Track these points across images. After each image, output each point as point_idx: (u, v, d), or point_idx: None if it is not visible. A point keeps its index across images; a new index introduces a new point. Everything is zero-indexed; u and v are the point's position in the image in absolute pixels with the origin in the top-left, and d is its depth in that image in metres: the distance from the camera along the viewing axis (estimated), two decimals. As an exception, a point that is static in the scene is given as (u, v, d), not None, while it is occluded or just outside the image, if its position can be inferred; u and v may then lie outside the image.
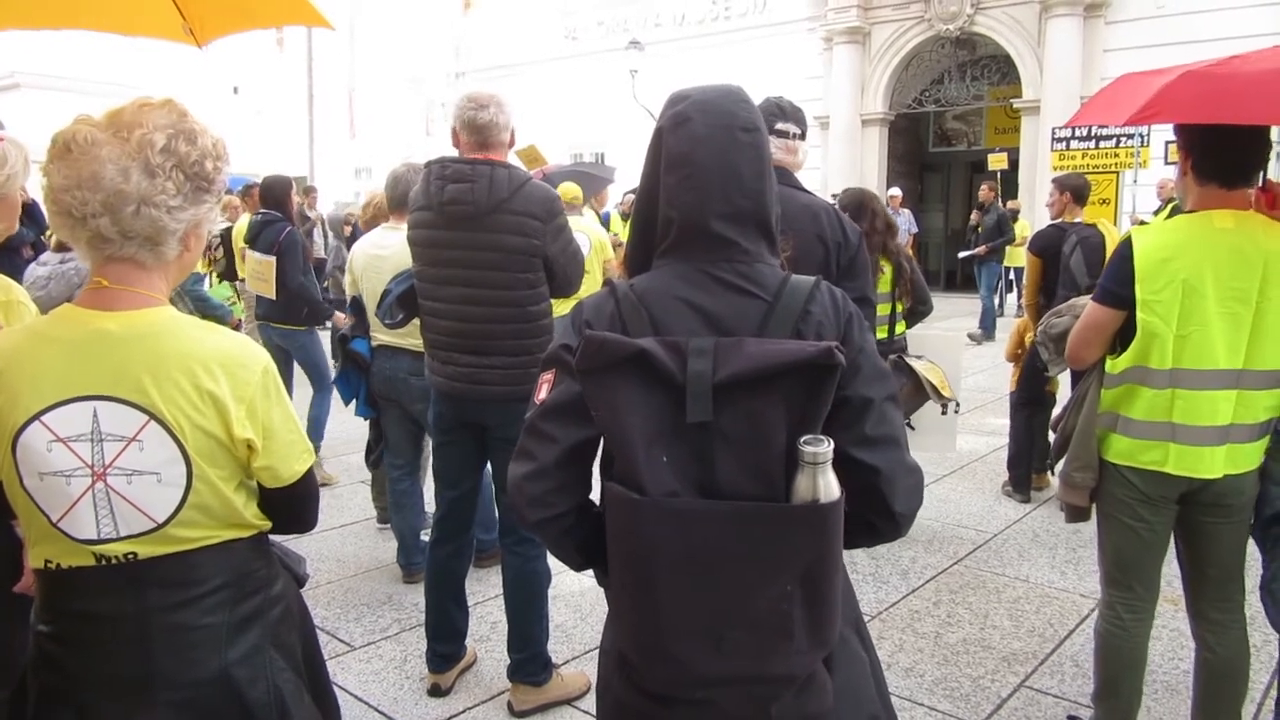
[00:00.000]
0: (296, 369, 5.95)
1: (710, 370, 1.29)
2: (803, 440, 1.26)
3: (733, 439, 1.29)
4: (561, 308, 3.23)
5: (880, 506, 1.38)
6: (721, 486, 1.30)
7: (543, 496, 1.40)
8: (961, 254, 11.82)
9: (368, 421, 4.34)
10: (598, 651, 3.67)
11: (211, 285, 8.47)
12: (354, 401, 4.19)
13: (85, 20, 3.23)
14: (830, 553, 1.30)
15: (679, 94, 1.51)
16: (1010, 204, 13.03)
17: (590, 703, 3.18)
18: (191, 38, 2.86)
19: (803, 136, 3.08)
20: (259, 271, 5.68)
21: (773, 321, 1.39)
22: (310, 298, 5.62)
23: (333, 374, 5.93)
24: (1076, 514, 2.69)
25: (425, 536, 4.26)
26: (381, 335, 3.94)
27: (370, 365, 4.05)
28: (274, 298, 5.65)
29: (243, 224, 8.03)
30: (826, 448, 1.25)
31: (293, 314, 5.71)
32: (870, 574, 4.31)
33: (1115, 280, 2.43)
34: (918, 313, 4.60)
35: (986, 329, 11.89)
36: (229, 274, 8.68)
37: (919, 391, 4.38)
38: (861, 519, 1.39)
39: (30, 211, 4.87)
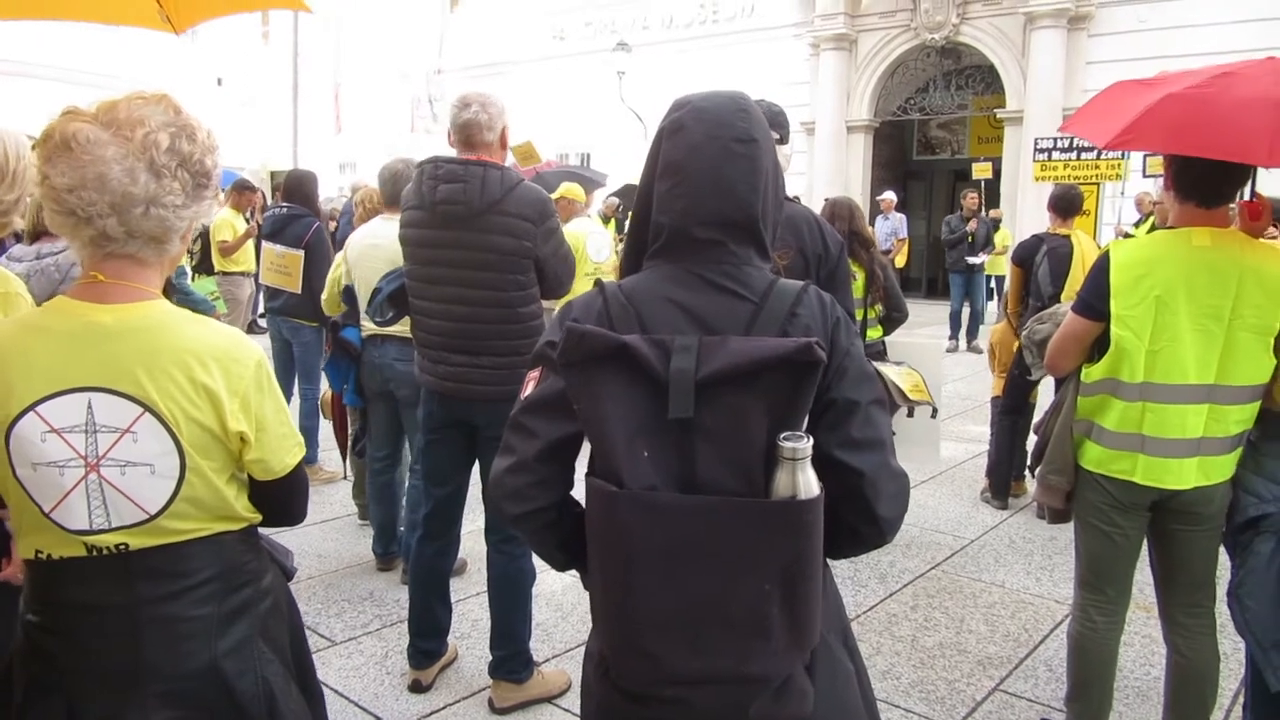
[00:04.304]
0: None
1: (693, 367, 1.30)
2: (782, 436, 1.27)
3: (714, 435, 1.30)
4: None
5: (864, 511, 1.39)
6: (702, 483, 1.30)
7: (522, 490, 1.41)
8: (970, 259, 11.83)
9: (358, 411, 4.38)
10: (578, 650, 3.68)
11: (194, 280, 8.43)
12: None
13: (63, 10, 3.21)
14: (809, 552, 1.30)
15: (681, 100, 1.51)
16: (992, 213, 13.13)
17: (570, 701, 3.20)
18: (168, 24, 2.84)
19: (784, 140, 3.10)
20: (282, 265, 5.63)
21: (759, 322, 1.40)
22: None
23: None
24: (1057, 516, 2.75)
25: (400, 527, 4.33)
26: (370, 325, 3.96)
27: (361, 355, 4.08)
28: (298, 291, 5.60)
29: (223, 218, 8.00)
30: (805, 444, 1.26)
31: (309, 310, 5.64)
32: (849, 577, 4.35)
33: (1092, 293, 2.48)
34: (893, 319, 4.64)
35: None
36: (205, 267, 8.64)
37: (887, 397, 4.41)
38: (846, 525, 1.40)
39: None
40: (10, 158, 2.14)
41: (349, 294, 4.12)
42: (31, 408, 1.44)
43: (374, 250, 3.91)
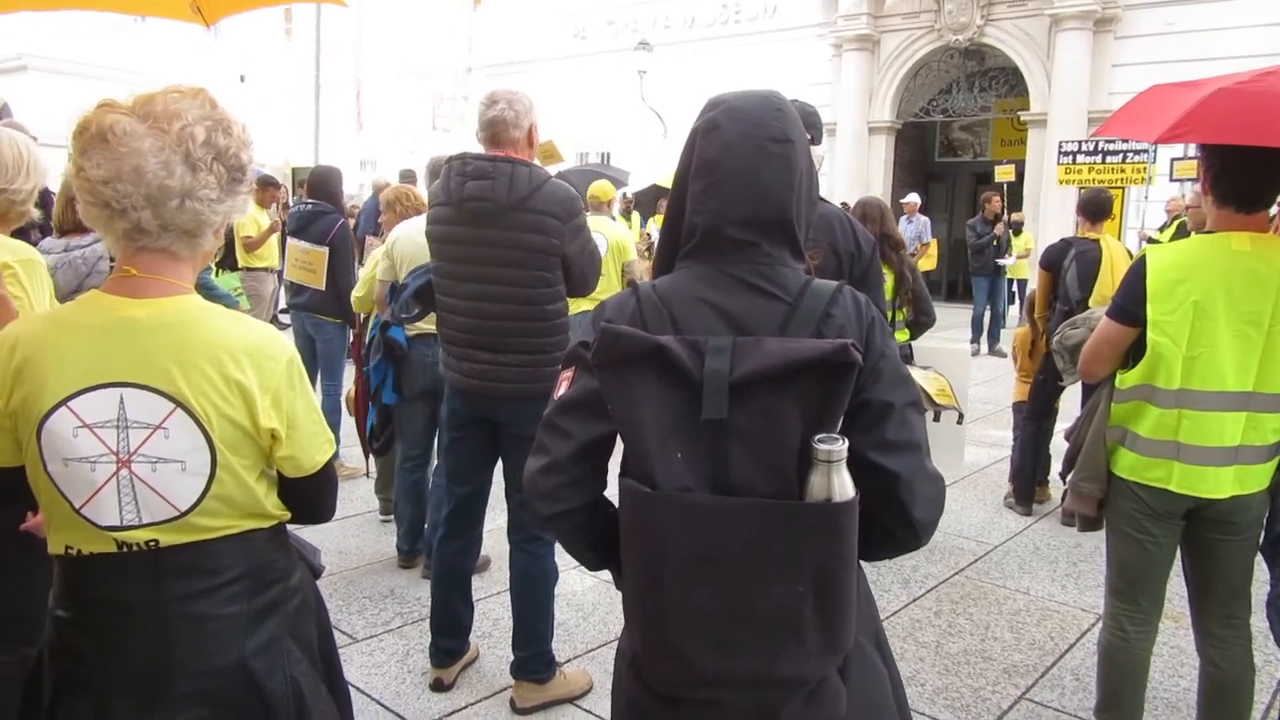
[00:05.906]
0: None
1: (727, 368, 1.29)
2: (817, 438, 1.26)
3: (748, 437, 1.29)
4: (577, 307, 3.23)
5: (900, 513, 1.37)
6: (735, 484, 1.30)
7: (555, 491, 1.41)
8: (1001, 261, 11.77)
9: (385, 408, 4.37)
10: (600, 650, 3.67)
11: (218, 275, 8.48)
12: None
13: (95, 0, 3.22)
14: (843, 555, 1.29)
15: (716, 99, 1.50)
16: (1015, 216, 13.06)
17: (592, 701, 3.19)
18: (199, 16, 2.84)
19: (816, 141, 3.08)
20: (307, 261, 5.66)
21: (794, 323, 1.39)
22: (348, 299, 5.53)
23: (347, 366, 5.96)
24: (1089, 523, 2.70)
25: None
26: (420, 324, 3.94)
27: (406, 353, 4.08)
28: (322, 288, 5.63)
29: (247, 213, 8.05)
30: (841, 446, 1.26)
31: (333, 306, 5.67)
32: (871, 581, 4.27)
33: (1128, 298, 2.44)
34: (920, 324, 4.61)
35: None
36: (228, 263, 8.70)
37: None
38: (881, 527, 1.38)
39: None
40: (22, 150, 2.20)
41: (396, 291, 4.10)
42: (63, 403, 1.44)
43: (423, 250, 3.88)
